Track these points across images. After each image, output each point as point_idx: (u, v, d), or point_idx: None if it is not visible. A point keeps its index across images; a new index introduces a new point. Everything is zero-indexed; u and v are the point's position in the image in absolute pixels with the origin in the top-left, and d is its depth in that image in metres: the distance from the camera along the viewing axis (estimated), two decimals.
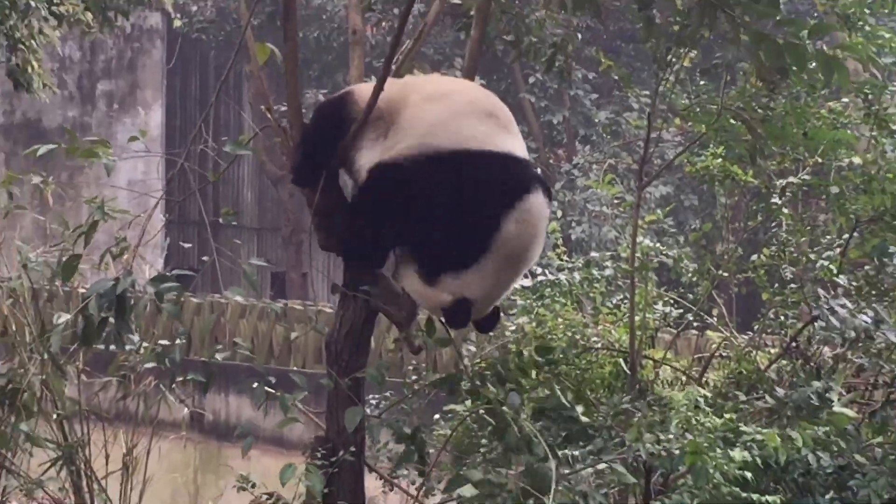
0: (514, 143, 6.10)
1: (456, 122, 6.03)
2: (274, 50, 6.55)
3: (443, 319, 6.18)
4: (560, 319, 8.43)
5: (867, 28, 6.97)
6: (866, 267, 8.19)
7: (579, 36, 5.78)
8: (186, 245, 15.31)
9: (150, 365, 7.68)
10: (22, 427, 7.88)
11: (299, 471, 6.39)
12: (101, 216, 6.54)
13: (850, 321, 7.47)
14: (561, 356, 7.75)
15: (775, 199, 8.46)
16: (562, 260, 9.71)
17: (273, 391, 6.75)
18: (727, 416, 6.75)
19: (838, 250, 8.23)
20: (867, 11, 7.56)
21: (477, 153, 5.94)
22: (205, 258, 7.09)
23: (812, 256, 8.37)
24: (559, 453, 6.42)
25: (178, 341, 7.62)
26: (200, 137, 6.85)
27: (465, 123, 6.04)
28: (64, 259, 7.27)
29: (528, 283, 8.88)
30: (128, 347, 7.45)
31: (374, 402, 7.83)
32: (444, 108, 6.07)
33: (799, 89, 7.60)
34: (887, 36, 7.46)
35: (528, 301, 8.68)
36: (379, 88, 6.03)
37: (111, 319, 5.91)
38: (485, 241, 5.89)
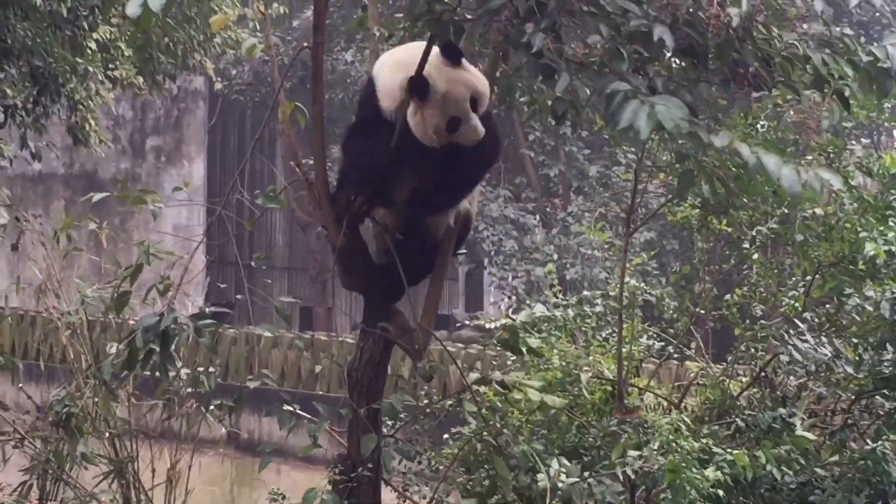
0: None
1: None
2: (303, 110, 6.59)
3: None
4: (555, 351, 8.43)
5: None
6: (827, 306, 8.21)
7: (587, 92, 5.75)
8: (222, 286, 15.32)
9: (191, 389, 7.72)
10: (79, 448, 7.92)
11: (322, 484, 6.42)
12: (147, 259, 6.58)
13: (811, 355, 7.50)
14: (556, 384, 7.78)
15: (746, 246, 8.48)
16: (557, 298, 9.72)
17: (299, 413, 6.79)
18: (704, 440, 6.77)
19: (802, 290, 8.24)
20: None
21: None
22: (239, 296, 7.13)
23: (779, 296, 8.38)
24: (553, 470, 6.44)
25: (211, 370, 7.67)
26: (237, 189, 6.90)
27: None
28: (116, 295, 7.31)
29: (525, 317, 8.88)
30: (171, 374, 7.48)
31: (389, 422, 7.84)
32: None
33: None
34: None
35: (527, 335, 8.68)
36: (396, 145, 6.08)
37: (156, 349, 5.93)
38: None
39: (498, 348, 10.15)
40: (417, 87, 5.84)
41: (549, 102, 5.97)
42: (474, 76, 5.93)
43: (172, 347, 5.91)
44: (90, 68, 14.10)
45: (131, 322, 7.10)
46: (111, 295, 8.07)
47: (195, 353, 11.04)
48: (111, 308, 7.55)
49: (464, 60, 5.92)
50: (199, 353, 11.24)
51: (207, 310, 8.03)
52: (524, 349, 7.41)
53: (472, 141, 5.90)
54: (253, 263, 7.06)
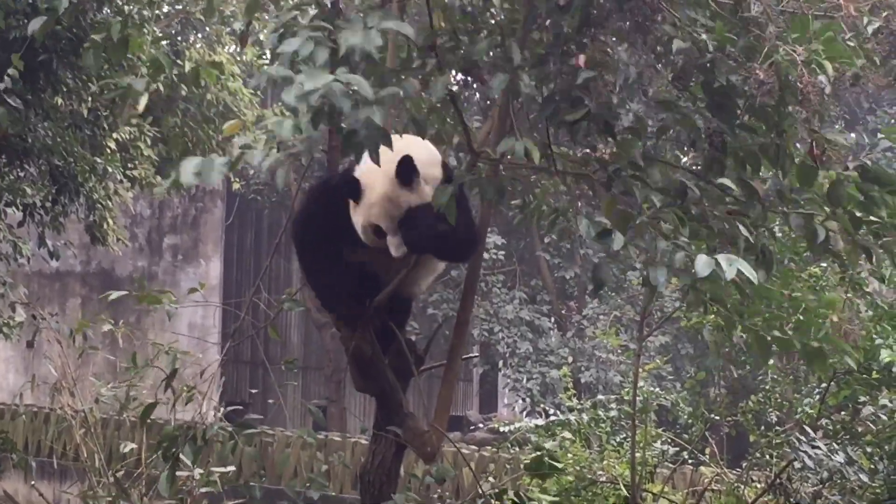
0: None
1: None
2: None
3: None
4: (570, 455, 8.41)
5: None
6: (842, 413, 8.19)
7: (580, 205, 5.82)
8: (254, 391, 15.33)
9: (204, 489, 7.70)
10: None
11: None
12: (173, 364, 6.63)
13: (825, 462, 7.47)
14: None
15: None
16: (571, 401, 9.72)
17: None
18: None
19: (818, 398, 8.23)
20: None
21: None
22: (252, 391, 7.18)
23: (795, 403, 8.37)
24: None
25: (228, 468, 7.67)
26: (256, 290, 6.95)
27: None
28: (130, 392, 7.33)
29: (541, 422, 8.88)
30: (184, 473, 7.47)
31: None
32: None
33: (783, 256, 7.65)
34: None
35: (541, 438, 8.67)
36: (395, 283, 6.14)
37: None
38: None
39: (512, 451, 10.12)
40: (348, 187, 5.94)
41: (544, 208, 6.06)
42: (414, 195, 5.95)
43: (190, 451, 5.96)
44: (109, 168, 14.20)
45: (160, 421, 7.14)
46: (125, 393, 8.09)
47: (208, 451, 11.00)
48: (126, 406, 7.57)
49: (419, 180, 5.96)
50: (211, 452, 11.20)
51: (223, 408, 8.05)
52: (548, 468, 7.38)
53: (396, 254, 5.94)
54: (283, 367, 7.08)
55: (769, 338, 5.92)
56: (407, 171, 5.84)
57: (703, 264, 4.87)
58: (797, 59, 5.15)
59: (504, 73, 5.11)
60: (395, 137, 6.13)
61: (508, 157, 5.89)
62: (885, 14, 5.48)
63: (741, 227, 5.39)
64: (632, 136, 5.40)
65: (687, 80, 5.45)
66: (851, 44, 5.36)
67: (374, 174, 5.84)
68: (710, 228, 5.47)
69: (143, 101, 5.82)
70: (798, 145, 5.51)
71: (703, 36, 5.21)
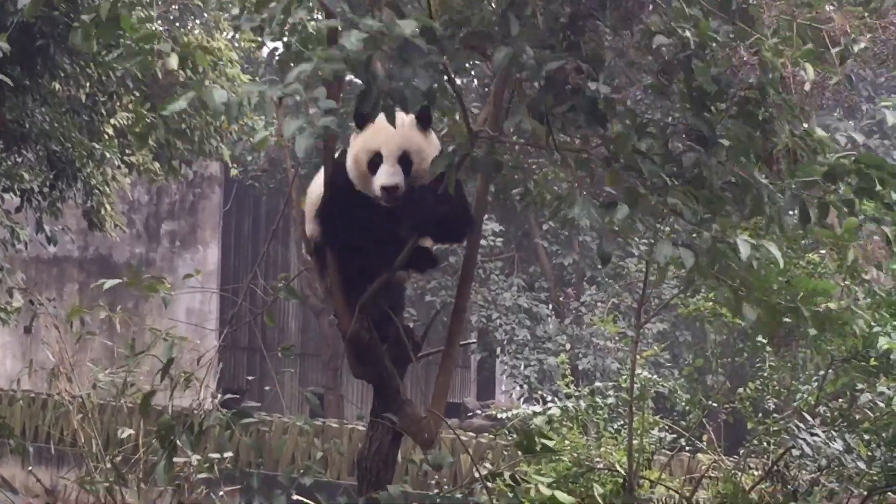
0: None
1: None
2: None
3: None
4: (567, 442, 8.42)
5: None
6: (840, 400, 8.19)
7: (583, 192, 5.81)
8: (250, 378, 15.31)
9: (202, 475, 7.70)
10: None
11: None
12: (170, 352, 6.62)
13: (822, 450, 7.47)
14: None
15: (760, 339, 8.47)
16: (569, 388, 9.72)
17: (302, 501, 6.78)
18: None
19: (816, 385, 8.23)
20: None
21: None
22: (249, 377, 7.19)
23: (793, 390, 8.37)
24: None
25: (226, 454, 7.67)
26: (253, 276, 6.94)
27: None
28: (127, 378, 7.32)
29: (538, 409, 8.88)
30: (182, 460, 7.48)
31: None
32: None
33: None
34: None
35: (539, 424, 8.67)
36: (412, 248, 6.12)
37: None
38: None
39: (510, 438, 10.10)
40: (358, 115, 6.00)
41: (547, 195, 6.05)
42: (425, 142, 5.98)
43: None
44: (107, 153, 14.19)
45: (158, 407, 7.14)
46: (123, 379, 8.08)
47: (206, 438, 11.00)
48: (123, 392, 7.56)
49: (430, 132, 6.03)
50: (209, 438, 11.20)
51: (219, 395, 8.04)
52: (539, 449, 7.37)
53: (379, 188, 5.92)
54: (280, 354, 7.07)
55: (779, 308, 5.86)
56: (426, 117, 5.97)
57: (706, 240, 4.87)
58: (782, 52, 5.17)
59: (506, 47, 5.10)
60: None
61: (507, 136, 5.91)
62: (869, 36, 5.49)
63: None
64: (625, 128, 5.40)
65: (672, 73, 5.46)
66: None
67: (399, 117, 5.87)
68: (715, 195, 5.46)
69: (174, 60, 5.75)
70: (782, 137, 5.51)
71: (687, 32, 5.20)
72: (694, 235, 5.21)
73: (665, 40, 5.21)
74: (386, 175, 5.94)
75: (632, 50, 5.38)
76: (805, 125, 5.51)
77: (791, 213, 5.58)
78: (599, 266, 23.08)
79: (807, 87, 5.23)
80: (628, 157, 5.28)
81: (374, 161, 5.98)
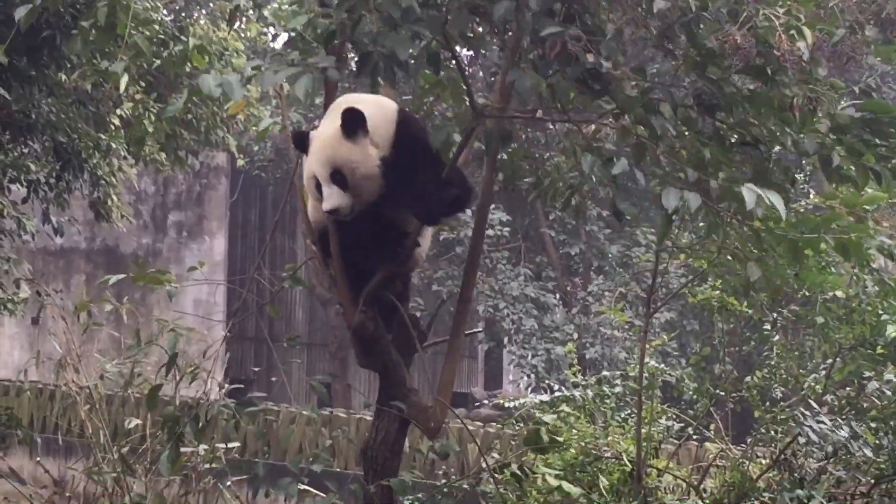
0: None
1: None
2: None
3: None
4: (574, 431, 8.42)
5: None
6: (847, 388, 8.19)
7: (593, 178, 5.83)
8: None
9: (209, 466, 7.72)
10: None
11: None
12: (174, 345, 6.62)
13: (830, 438, 7.47)
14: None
15: (767, 328, 8.47)
16: (576, 377, 9.72)
17: (309, 490, 6.80)
18: None
19: (823, 373, 8.23)
20: None
21: None
22: (255, 368, 7.21)
23: (800, 378, 8.37)
24: None
25: (232, 444, 7.68)
26: (259, 267, 6.94)
27: None
28: (134, 369, 7.33)
29: (545, 397, 8.88)
30: (189, 450, 7.50)
31: (407, 502, 7.80)
32: None
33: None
34: None
35: (543, 413, 8.67)
36: (413, 242, 6.13)
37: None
38: None
39: (517, 428, 10.09)
40: (297, 140, 5.99)
41: (559, 185, 6.05)
42: (354, 150, 5.88)
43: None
44: (113, 144, 14.21)
45: (165, 398, 7.16)
46: (130, 370, 8.10)
47: (212, 428, 11.03)
48: (130, 383, 7.57)
49: (363, 135, 5.88)
50: (216, 428, 11.22)
51: (227, 385, 8.06)
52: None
53: (325, 207, 5.88)
54: (285, 344, 7.07)
55: (800, 242, 5.82)
56: (351, 123, 5.80)
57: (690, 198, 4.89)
58: (776, 25, 5.15)
59: (507, 1, 5.13)
60: (356, 96, 6.15)
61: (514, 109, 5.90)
62: None
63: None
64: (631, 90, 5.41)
65: (673, 38, 5.46)
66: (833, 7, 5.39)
67: (323, 127, 5.85)
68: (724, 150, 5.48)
69: (123, 83, 5.82)
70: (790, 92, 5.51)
71: None
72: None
73: (663, 5, 5.21)
74: (326, 200, 5.84)
75: (626, 26, 5.37)
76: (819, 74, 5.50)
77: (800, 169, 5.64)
78: (608, 255, 23.12)
79: (805, 56, 5.21)
80: (637, 112, 5.29)
81: (318, 184, 5.93)
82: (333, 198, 5.82)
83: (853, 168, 5.61)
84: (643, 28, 5.38)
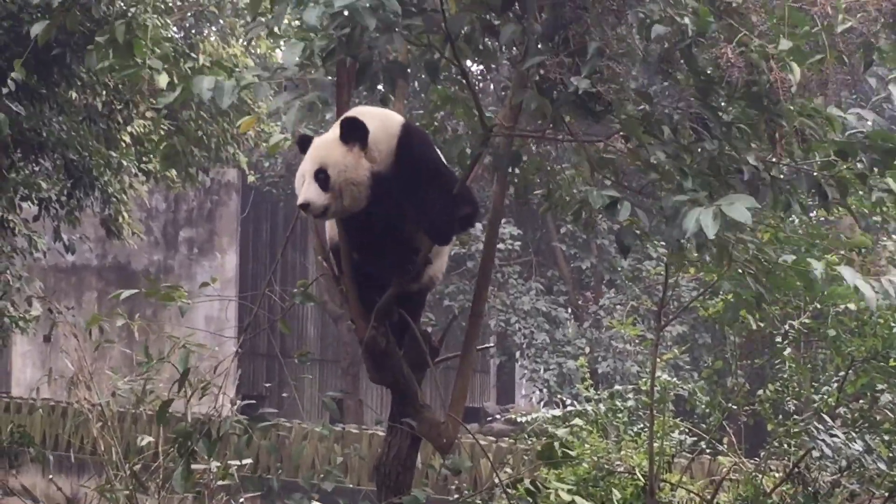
0: None
1: None
2: None
3: None
4: (587, 445, 8.42)
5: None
6: (860, 401, 8.17)
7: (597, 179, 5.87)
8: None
9: (222, 482, 7.72)
10: None
11: None
12: (185, 363, 6.63)
13: (843, 451, 7.46)
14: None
15: (779, 341, 8.46)
16: (589, 391, 9.73)
17: None
18: None
19: (836, 386, 8.22)
20: None
21: None
22: (267, 384, 7.22)
23: (812, 391, 8.36)
24: None
25: (244, 461, 7.68)
26: (270, 283, 6.95)
27: None
28: (146, 386, 7.34)
29: (558, 412, 8.88)
30: (201, 467, 7.50)
31: None
32: None
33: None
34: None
35: (556, 427, 8.67)
36: (424, 258, 6.14)
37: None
38: None
39: (530, 443, 10.10)
40: (301, 142, 6.04)
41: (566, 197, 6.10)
42: (347, 155, 5.89)
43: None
44: (124, 161, 14.25)
45: (177, 414, 7.18)
46: (142, 387, 8.11)
47: (225, 445, 11.04)
48: (142, 400, 7.58)
49: (360, 145, 5.89)
50: (229, 445, 11.24)
51: (239, 401, 8.07)
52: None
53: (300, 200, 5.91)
54: (297, 360, 7.08)
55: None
56: (348, 130, 5.85)
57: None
58: (768, 53, 5.22)
59: (514, 24, 5.16)
60: (363, 109, 6.18)
61: (523, 129, 5.93)
62: (859, 16, 5.52)
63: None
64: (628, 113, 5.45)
65: (673, 62, 5.50)
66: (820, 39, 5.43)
67: (326, 134, 5.90)
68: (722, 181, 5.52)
69: (163, 79, 5.83)
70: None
71: (686, 19, 5.23)
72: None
73: (663, 30, 5.24)
74: (302, 193, 5.86)
75: (615, 42, 5.40)
76: (814, 103, 5.58)
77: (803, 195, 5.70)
78: (619, 269, 23.11)
79: (793, 88, 5.28)
80: (638, 133, 5.34)
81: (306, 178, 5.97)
82: (309, 192, 5.84)
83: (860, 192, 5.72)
84: (634, 51, 5.44)
